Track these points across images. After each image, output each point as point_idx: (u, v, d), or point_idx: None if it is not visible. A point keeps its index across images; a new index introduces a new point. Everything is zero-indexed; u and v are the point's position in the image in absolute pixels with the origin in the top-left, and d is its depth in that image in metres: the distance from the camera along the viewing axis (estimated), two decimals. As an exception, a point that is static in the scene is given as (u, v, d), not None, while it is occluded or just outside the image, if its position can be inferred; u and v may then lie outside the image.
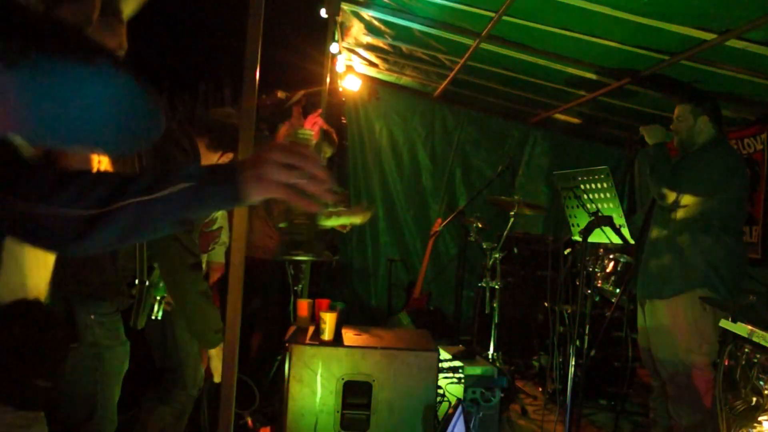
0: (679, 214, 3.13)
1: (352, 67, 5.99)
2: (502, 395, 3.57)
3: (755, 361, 2.82)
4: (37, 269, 1.36)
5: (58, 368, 1.32)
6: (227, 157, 2.43)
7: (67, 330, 1.39)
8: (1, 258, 1.12)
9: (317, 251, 1.17)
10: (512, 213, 4.54)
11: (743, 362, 2.92)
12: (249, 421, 3.15)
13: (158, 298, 2.53)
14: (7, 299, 1.22)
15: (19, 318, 1.23)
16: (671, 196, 3.12)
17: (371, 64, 5.77)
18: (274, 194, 1.03)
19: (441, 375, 3.31)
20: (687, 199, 3.08)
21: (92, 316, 1.90)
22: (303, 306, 3.11)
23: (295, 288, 3.47)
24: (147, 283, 2.07)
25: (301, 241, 1.16)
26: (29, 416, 1.23)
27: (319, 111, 3.49)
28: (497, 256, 4.52)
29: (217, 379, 2.24)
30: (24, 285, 1.30)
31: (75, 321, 1.49)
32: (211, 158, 2.43)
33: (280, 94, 3.66)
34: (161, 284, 2.55)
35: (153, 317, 2.39)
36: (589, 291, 3.64)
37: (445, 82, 5.50)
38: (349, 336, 2.95)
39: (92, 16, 1.24)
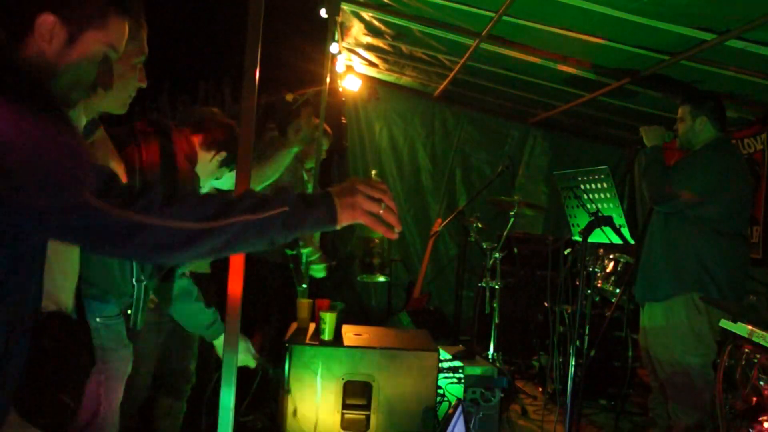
0: (674, 215, 3.13)
1: (352, 67, 6.00)
2: (502, 395, 3.57)
3: (755, 361, 2.82)
4: (66, 279, 1.35)
5: (81, 387, 1.31)
6: (221, 156, 2.43)
7: (90, 348, 1.38)
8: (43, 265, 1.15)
9: (388, 272, 1.35)
10: (512, 213, 4.54)
11: (743, 362, 2.92)
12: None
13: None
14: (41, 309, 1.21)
15: (49, 330, 1.22)
16: (662, 200, 3.11)
17: (371, 64, 5.77)
18: (360, 220, 1.21)
19: (441, 375, 3.31)
20: (680, 201, 3.07)
21: (98, 319, 1.90)
22: (303, 306, 3.10)
23: (298, 286, 3.46)
24: (144, 282, 2.07)
25: (376, 264, 1.33)
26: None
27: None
28: (497, 256, 4.52)
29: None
30: (54, 295, 1.29)
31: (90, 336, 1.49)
32: (205, 157, 2.43)
33: (289, 97, 3.67)
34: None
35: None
36: (589, 291, 3.64)
37: (445, 82, 5.50)
38: (349, 336, 2.94)
39: (118, 46, 1.21)
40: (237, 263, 1.65)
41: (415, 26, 4.25)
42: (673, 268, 3.07)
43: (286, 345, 2.78)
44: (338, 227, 1.20)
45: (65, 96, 1.13)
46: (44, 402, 1.22)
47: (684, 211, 3.08)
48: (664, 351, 3.10)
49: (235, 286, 1.64)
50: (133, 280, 2.02)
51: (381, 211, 1.22)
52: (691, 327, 3.01)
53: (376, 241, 1.31)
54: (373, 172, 1.39)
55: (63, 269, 1.32)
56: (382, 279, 1.34)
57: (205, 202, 1.10)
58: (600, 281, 3.96)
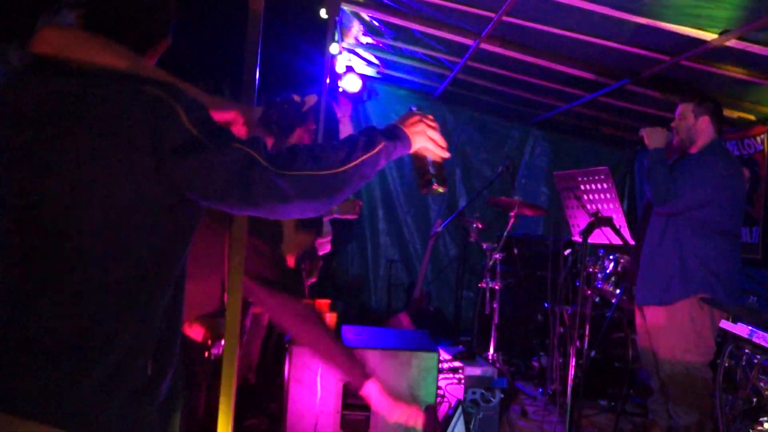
0: (676, 218, 3.12)
1: (352, 67, 5.99)
2: (502, 396, 3.56)
3: (755, 362, 2.82)
4: None
5: None
6: None
7: None
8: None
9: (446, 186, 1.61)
10: (512, 214, 4.53)
11: (743, 363, 2.92)
12: None
13: None
14: None
15: None
16: (666, 201, 3.10)
17: (371, 64, 5.78)
18: (425, 144, 1.47)
19: (441, 375, 3.30)
20: (683, 204, 3.07)
21: None
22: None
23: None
24: None
25: (435, 177, 1.58)
26: None
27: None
28: (497, 256, 4.52)
29: None
30: None
31: None
32: None
33: (296, 98, 3.67)
34: None
35: None
36: (589, 292, 3.64)
37: (445, 82, 5.50)
38: (349, 336, 2.94)
39: None
40: (237, 263, 1.64)
41: (415, 26, 4.25)
42: (679, 272, 3.06)
43: (286, 345, 2.77)
44: (411, 151, 1.46)
45: None
46: None
47: (686, 214, 3.08)
48: (666, 350, 3.10)
49: (235, 287, 1.63)
50: None
51: (438, 137, 1.49)
52: (694, 327, 3.01)
53: (428, 158, 1.56)
54: (414, 108, 1.58)
55: None
56: (441, 190, 1.57)
57: (335, 148, 1.29)
58: (600, 282, 3.96)
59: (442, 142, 1.52)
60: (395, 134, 1.41)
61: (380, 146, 1.34)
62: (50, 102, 1.14)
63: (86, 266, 1.12)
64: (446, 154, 1.53)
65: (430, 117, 1.51)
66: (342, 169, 1.27)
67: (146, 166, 1.13)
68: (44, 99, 1.15)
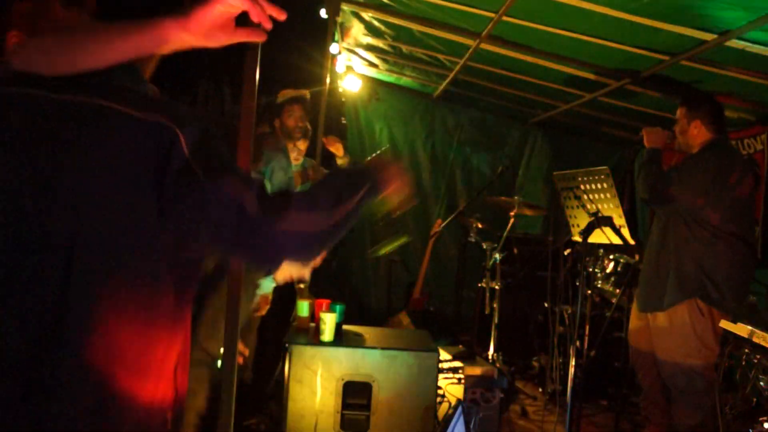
0: (673, 220, 3.12)
1: (352, 68, 5.99)
2: (502, 396, 3.57)
3: (755, 361, 2.82)
4: None
5: None
6: None
7: None
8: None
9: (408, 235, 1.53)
10: (512, 214, 4.53)
11: (743, 363, 2.92)
12: None
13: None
14: None
15: None
16: (657, 200, 3.12)
17: (371, 64, 5.77)
18: (394, 191, 1.38)
19: (441, 375, 3.31)
20: (677, 203, 3.07)
21: None
22: (303, 306, 3.10)
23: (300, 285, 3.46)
24: None
25: (400, 228, 1.48)
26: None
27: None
28: (497, 256, 4.52)
29: None
30: None
31: None
32: None
33: (280, 95, 3.67)
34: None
35: None
36: (589, 292, 3.64)
37: (445, 82, 5.49)
38: (349, 336, 2.95)
39: None
40: (236, 263, 1.64)
41: (415, 27, 4.25)
42: (675, 276, 3.06)
43: (286, 345, 2.78)
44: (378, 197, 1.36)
45: None
46: None
47: (682, 215, 3.07)
48: (667, 353, 3.10)
49: (235, 286, 1.63)
50: None
51: (407, 183, 1.42)
52: (694, 330, 3.01)
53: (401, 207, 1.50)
54: (385, 148, 1.50)
55: None
56: (404, 240, 1.55)
57: (319, 195, 1.19)
58: (600, 282, 3.96)
59: (412, 189, 1.45)
60: (371, 177, 1.32)
61: (365, 189, 1.27)
62: (39, 123, 1.05)
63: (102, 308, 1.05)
64: (411, 202, 1.51)
65: (402, 163, 1.45)
66: (332, 220, 1.18)
67: (150, 205, 1.05)
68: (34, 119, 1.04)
